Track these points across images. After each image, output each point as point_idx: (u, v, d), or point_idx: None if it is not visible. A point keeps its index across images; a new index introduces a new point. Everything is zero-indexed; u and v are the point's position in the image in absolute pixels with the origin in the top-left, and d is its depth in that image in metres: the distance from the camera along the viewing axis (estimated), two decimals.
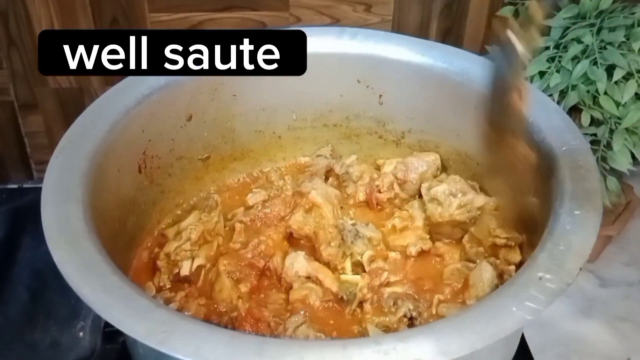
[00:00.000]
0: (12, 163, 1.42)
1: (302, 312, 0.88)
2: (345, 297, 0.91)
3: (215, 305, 0.90)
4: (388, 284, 0.93)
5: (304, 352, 0.65)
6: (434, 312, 0.89)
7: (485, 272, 0.91)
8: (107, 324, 0.67)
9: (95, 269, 0.72)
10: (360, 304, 0.90)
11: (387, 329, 0.87)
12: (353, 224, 0.99)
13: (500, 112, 0.84)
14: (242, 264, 0.96)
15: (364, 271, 0.95)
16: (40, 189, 0.81)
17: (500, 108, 0.84)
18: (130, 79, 0.99)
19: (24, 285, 1.17)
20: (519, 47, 0.80)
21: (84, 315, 1.12)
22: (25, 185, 1.42)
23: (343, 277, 0.94)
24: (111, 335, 1.05)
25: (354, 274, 0.95)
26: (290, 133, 1.13)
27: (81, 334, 1.10)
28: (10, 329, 1.11)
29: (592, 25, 1.11)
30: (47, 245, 0.74)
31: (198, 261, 0.95)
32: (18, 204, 1.30)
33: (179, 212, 1.06)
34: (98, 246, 0.76)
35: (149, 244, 1.00)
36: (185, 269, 0.94)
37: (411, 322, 0.89)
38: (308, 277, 0.93)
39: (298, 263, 0.94)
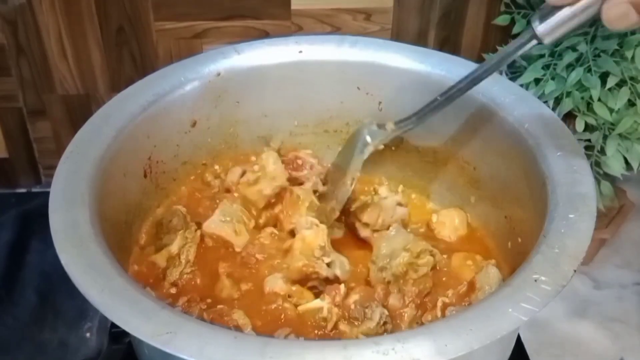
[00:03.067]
0: (20, 168, 1.42)
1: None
2: (317, 325, 0.88)
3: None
4: (347, 295, 0.91)
5: (305, 352, 0.65)
6: (438, 314, 0.89)
7: (491, 275, 0.91)
8: (114, 325, 0.67)
9: (102, 272, 0.73)
10: (336, 324, 0.88)
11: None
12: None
13: None
14: (238, 262, 0.96)
15: (321, 291, 0.92)
16: (48, 193, 0.81)
17: None
18: (135, 85, 0.99)
19: (33, 287, 1.17)
20: None
21: (91, 317, 1.12)
22: (33, 190, 1.43)
23: (301, 308, 0.89)
24: (117, 335, 1.05)
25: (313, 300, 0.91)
26: (291, 139, 1.13)
27: (88, 334, 1.10)
28: (20, 330, 1.11)
29: (586, 33, 1.11)
30: (55, 248, 0.74)
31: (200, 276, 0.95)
32: (26, 207, 1.30)
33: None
34: (104, 249, 0.76)
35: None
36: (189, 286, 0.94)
37: (384, 327, 0.88)
38: (289, 296, 0.92)
39: (277, 286, 0.93)
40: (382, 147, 1.00)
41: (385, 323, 0.88)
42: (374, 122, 1.00)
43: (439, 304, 0.90)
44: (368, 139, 0.99)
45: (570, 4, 0.75)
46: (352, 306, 0.89)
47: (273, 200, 1.03)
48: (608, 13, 0.72)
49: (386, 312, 0.89)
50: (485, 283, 0.90)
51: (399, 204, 1.05)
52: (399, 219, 1.04)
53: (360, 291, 0.92)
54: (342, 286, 0.91)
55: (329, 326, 0.87)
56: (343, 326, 0.87)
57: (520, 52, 0.83)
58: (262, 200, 1.02)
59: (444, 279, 0.96)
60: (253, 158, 1.11)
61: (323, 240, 0.95)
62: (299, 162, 1.10)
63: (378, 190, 1.07)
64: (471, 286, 0.91)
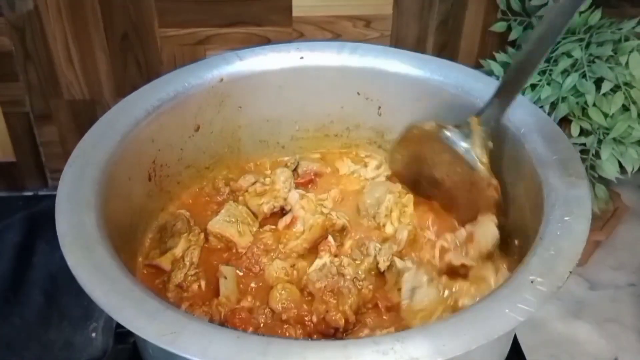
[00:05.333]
0: (28, 171, 1.42)
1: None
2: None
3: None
4: (342, 244, 0.98)
5: (306, 352, 0.65)
6: (436, 255, 0.93)
7: (490, 231, 0.92)
8: (119, 325, 0.67)
9: (108, 273, 0.73)
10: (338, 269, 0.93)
11: None
12: None
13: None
14: (242, 267, 0.96)
15: None
16: (54, 196, 0.81)
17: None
18: (140, 91, 0.99)
19: (40, 288, 1.17)
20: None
21: (97, 317, 1.12)
22: (40, 193, 1.43)
23: (310, 270, 0.94)
24: (123, 335, 1.05)
25: None
26: (293, 143, 1.13)
27: (94, 334, 1.10)
28: (27, 330, 1.11)
29: (581, 40, 1.11)
30: (62, 250, 0.74)
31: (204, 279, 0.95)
32: (34, 210, 1.30)
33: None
34: (110, 251, 0.76)
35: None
36: (194, 288, 0.94)
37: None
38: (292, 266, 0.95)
39: (279, 271, 0.94)
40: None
41: (376, 255, 0.95)
42: (445, 124, 0.96)
43: (438, 245, 0.92)
44: (465, 144, 0.95)
45: None
46: (349, 250, 0.96)
47: (268, 216, 1.04)
48: None
49: (379, 245, 0.95)
50: (482, 237, 0.92)
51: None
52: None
53: (351, 238, 0.99)
54: (330, 237, 0.97)
55: (333, 270, 0.92)
56: (346, 269, 0.92)
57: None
58: (260, 214, 1.03)
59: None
60: (258, 163, 1.13)
61: (317, 203, 1.01)
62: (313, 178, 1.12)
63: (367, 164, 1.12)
64: (470, 237, 0.93)
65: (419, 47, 1.32)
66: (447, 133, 0.95)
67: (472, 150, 0.94)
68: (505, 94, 0.91)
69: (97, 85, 1.31)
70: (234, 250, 0.98)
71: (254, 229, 1.01)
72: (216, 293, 0.91)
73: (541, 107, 1.10)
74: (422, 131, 0.99)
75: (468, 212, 0.96)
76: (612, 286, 1.26)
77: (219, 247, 0.99)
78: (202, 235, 0.99)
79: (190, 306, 0.89)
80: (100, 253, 0.75)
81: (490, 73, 1.20)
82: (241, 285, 0.94)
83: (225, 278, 0.92)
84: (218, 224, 0.99)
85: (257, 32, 1.28)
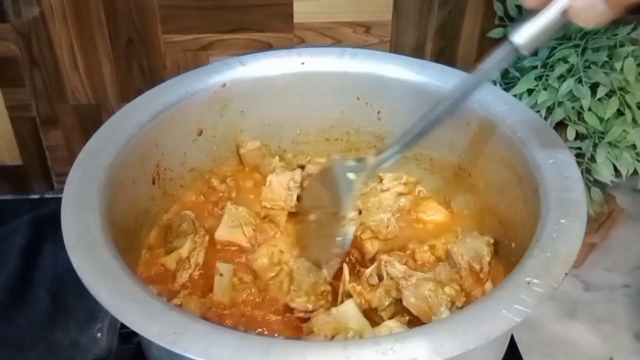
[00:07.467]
0: (34, 174, 1.42)
1: None
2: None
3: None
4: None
5: (307, 352, 0.65)
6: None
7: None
8: (123, 326, 0.67)
9: (112, 274, 0.73)
10: None
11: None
12: None
13: None
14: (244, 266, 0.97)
15: None
16: (60, 199, 0.81)
17: None
18: (144, 96, 0.99)
19: (45, 289, 1.17)
20: None
21: (102, 318, 1.12)
22: (46, 196, 1.43)
23: None
24: (127, 336, 1.05)
25: None
26: (294, 147, 1.14)
27: (99, 334, 1.10)
28: (33, 330, 1.11)
29: (577, 46, 1.11)
30: (67, 252, 0.74)
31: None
32: (40, 213, 1.30)
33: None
34: (114, 253, 0.76)
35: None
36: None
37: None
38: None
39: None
40: (368, 187, 0.97)
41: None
42: (347, 158, 0.97)
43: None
44: (351, 176, 0.93)
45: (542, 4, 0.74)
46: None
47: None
48: (575, 5, 0.71)
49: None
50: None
51: (401, 194, 1.07)
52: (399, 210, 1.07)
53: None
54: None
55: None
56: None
57: (500, 67, 0.82)
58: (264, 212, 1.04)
59: None
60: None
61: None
62: None
63: (382, 178, 1.09)
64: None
65: (417, 52, 1.32)
66: (341, 163, 0.95)
67: (351, 183, 0.93)
68: (404, 148, 0.92)
69: (101, 90, 1.31)
70: (238, 252, 0.99)
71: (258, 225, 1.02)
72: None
73: (538, 111, 1.10)
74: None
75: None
76: (607, 287, 1.26)
77: (223, 249, 0.99)
78: (207, 237, 0.99)
79: (185, 297, 0.90)
80: (105, 255, 0.75)
81: None
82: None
83: (221, 275, 0.93)
84: (224, 231, 0.99)
85: (258, 38, 1.28)
